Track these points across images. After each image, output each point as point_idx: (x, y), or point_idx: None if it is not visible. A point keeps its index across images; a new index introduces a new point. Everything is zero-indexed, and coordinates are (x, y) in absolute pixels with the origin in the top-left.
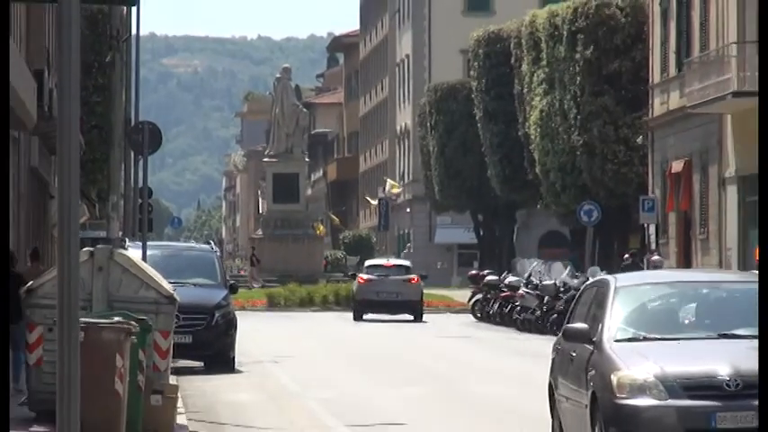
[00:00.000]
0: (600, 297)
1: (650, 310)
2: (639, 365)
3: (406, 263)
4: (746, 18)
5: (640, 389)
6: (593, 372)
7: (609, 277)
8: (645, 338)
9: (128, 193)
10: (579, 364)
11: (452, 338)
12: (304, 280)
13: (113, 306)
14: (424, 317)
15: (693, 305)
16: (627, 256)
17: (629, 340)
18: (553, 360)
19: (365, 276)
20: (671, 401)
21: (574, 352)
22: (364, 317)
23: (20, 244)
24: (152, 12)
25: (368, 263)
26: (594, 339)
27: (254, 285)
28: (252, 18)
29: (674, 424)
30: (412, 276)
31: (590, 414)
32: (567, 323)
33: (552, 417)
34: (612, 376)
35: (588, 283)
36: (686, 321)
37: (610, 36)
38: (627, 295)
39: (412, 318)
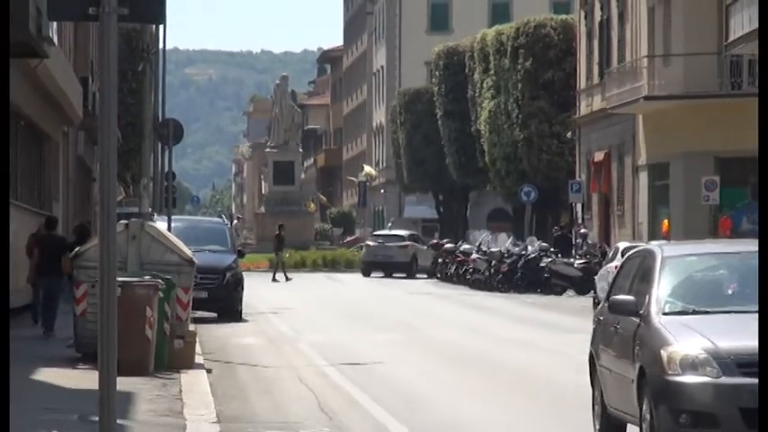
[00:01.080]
0: (645, 268)
1: (698, 282)
2: (690, 340)
3: (402, 232)
4: (655, 36)
5: (692, 365)
6: (641, 346)
7: (654, 248)
8: (694, 312)
9: (156, 176)
10: (625, 337)
11: (418, 294)
12: (298, 247)
13: (144, 268)
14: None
15: (742, 277)
16: (556, 228)
17: (678, 313)
18: (594, 330)
19: (370, 243)
20: (724, 379)
21: (618, 324)
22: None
23: (68, 219)
24: (175, 29)
25: (375, 233)
26: (641, 312)
27: None
28: (256, 36)
29: (727, 402)
30: (405, 243)
31: (637, 389)
32: (610, 294)
33: (593, 386)
34: (662, 352)
35: (631, 253)
36: (735, 294)
37: (545, 50)
38: (674, 267)
39: (405, 275)
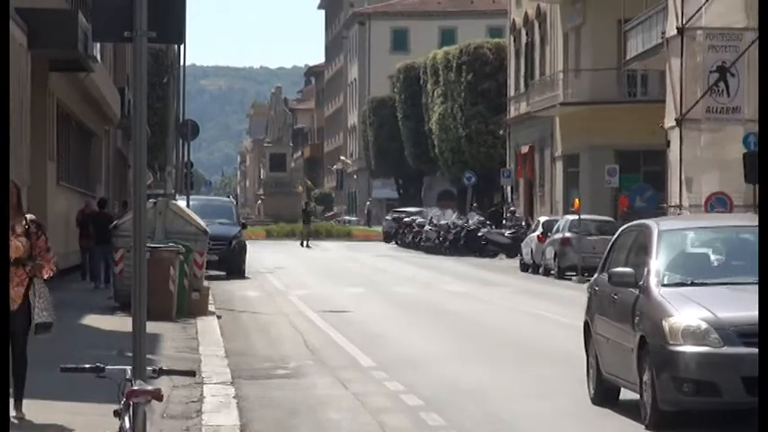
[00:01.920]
0: (642, 242)
1: (695, 255)
2: (691, 311)
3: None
4: (569, 55)
5: (694, 336)
6: (642, 317)
7: (650, 222)
8: (693, 283)
9: (177, 165)
10: (624, 308)
11: (382, 257)
12: (289, 220)
13: (168, 236)
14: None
15: (736, 250)
16: (474, 205)
17: (677, 285)
18: (589, 300)
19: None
20: (726, 349)
21: (615, 294)
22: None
23: (109, 197)
24: (193, 49)
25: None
26: (641, 284)
27: None
28: (256, 54)
29: (729, 372)
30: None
31: (637, 358)
32: (605, 268)
33: (587, 353)
34: (664, 322)
35: (625, 228)
36: (731, 266)
37: (483, 66)
38: (671, 240)
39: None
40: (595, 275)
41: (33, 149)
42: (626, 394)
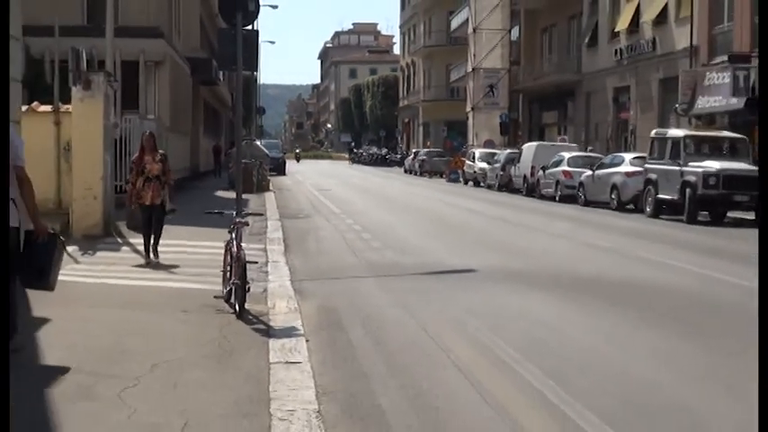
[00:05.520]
0: None
1: None
2: None
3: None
4: (426, 80)
5: None
6: None
7: None
8: None
9: (255, 126)
10: None
11: (346, 168)
12: (305, 150)
13: (252, 157)
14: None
15: None
16: (361, 147)
17: None
18: None
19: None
20: None
21: None
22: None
23: (225, 142)
24: (262, 74)
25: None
26: None
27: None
28: (290, 78)
29: None
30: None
31: None
32: None
33: None
34: None
35: None
36: None
37: (389, 85)
38: None
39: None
40: None
41: (193, 121)
42: None
